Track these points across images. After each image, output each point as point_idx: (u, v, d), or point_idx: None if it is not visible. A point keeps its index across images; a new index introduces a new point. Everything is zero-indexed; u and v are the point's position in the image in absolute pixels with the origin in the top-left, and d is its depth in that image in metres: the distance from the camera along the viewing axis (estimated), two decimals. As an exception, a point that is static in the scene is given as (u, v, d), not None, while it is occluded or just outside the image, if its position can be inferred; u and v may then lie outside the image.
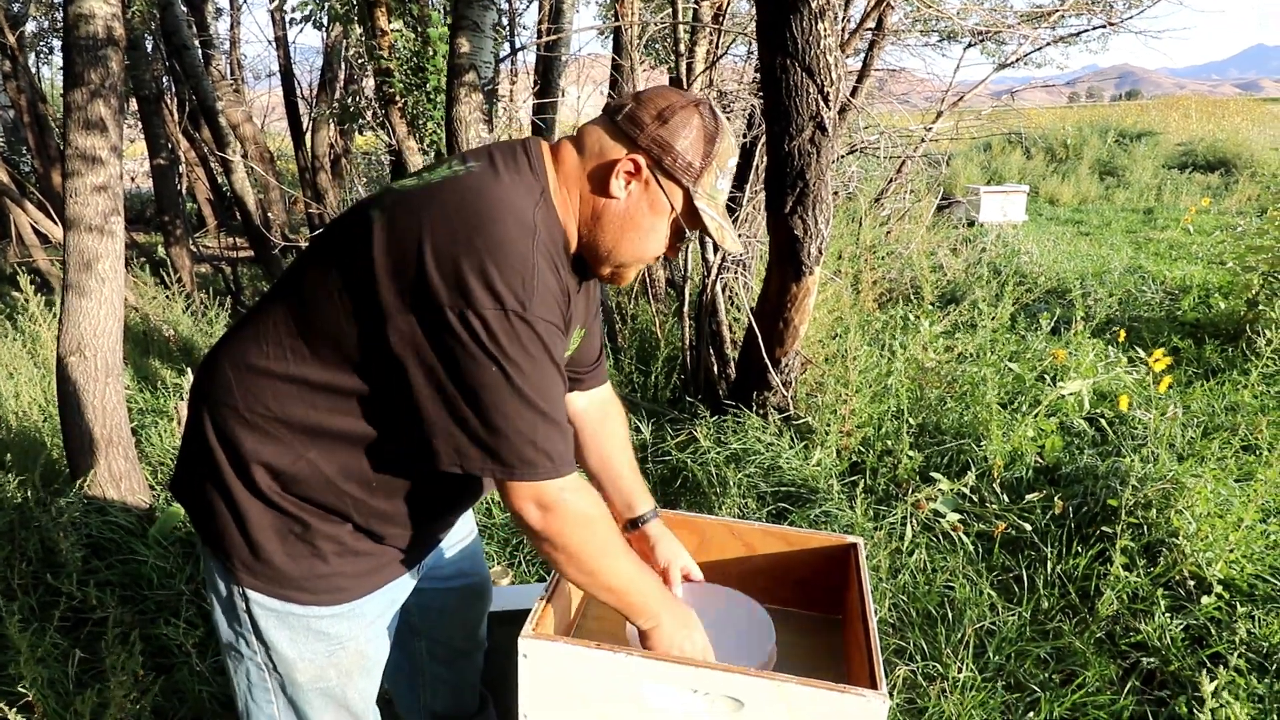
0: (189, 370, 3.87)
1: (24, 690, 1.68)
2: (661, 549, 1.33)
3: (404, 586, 1.21)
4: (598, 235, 1.08)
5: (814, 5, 2.31)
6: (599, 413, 1.38)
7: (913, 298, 4.31)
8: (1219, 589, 2.16)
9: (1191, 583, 2.23)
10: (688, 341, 3.58)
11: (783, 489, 2.61)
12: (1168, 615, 2.12)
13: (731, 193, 4.12)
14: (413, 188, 1.02)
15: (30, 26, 11.44)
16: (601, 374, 1.38)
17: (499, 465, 0.98)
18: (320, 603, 1.08)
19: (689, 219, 1.08)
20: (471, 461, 0.98)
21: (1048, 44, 6.36)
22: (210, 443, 1.07)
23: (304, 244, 4.82)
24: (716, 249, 3.51)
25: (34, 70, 11.03)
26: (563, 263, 1.04)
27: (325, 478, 1.04)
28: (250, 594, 1.07)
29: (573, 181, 1.08)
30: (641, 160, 1.04)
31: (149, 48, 7.70)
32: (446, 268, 0.93)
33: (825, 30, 2.37)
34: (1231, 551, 2.23)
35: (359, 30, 5.08)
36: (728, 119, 4.26)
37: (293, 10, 4.82)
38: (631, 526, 1.35)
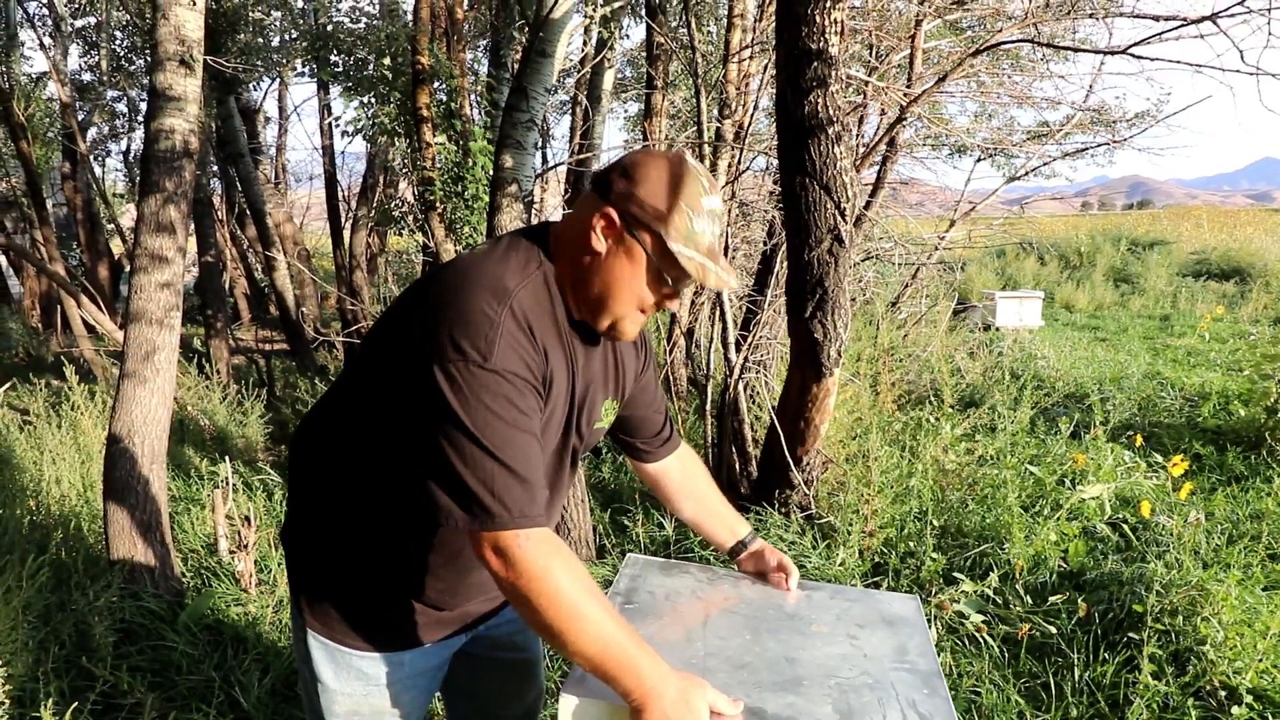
0: (225, 459, 3.98)
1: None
2: (770, 555, 1.48)
3: (448, 646, 1.29)
4: (588, 291, 1.13)
5: (830, 132, 2.50)
6: (679, 471, 1.50)
7: (931, 400, 4.38)
8: (1249, 699, 2.13)
9: (1223, 693, 2.20)
10: (709, 439, 3.65)
11: (805, 588, 2.62)
12: (1200, 727, 2.09)
13: (752, 295, 4.27)
14: (429, 272, 1.17)
15: (91, 132, 12.22)
16: (672, 445, 1.49)
17: (464, 513, 1.01)
18: (362, 646, 1.20)
19: (666, 263, 1.09)
20: (448, 513, 1.02)
21: (1055, 159, 6.65)
22: (295, 498, 1.24)
23: (335, 337, 5.01)
24: (738, 349, 3.63)
25: (95, 171, 11.70)
26: (550, 325, 1.10)
27: (380, 536, 1.16)
28: (308, 629, 1.21)
29: (564, 248, 1.14)
30: (612, 213, 1.09)
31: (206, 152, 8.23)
32: (425, 332, 1.03)
33: (841, 154, 2.56)
34: (1261, 661, 2.20)
35: (403, 143, 5.44)
36: (746, 219, 4.47)
37: (345, 125, 5.21)
38: (741, 548, 1.50)
